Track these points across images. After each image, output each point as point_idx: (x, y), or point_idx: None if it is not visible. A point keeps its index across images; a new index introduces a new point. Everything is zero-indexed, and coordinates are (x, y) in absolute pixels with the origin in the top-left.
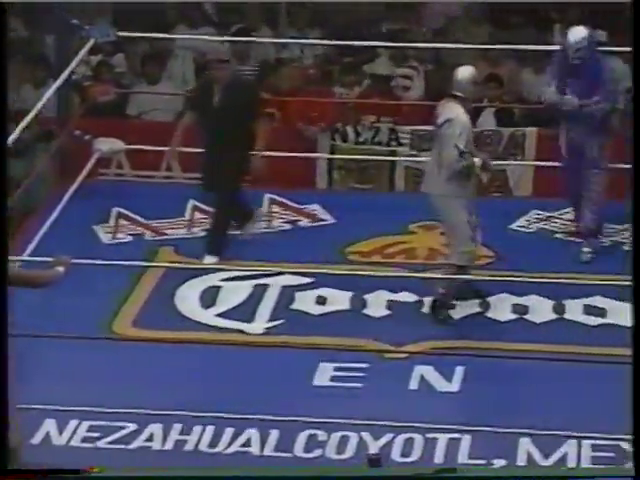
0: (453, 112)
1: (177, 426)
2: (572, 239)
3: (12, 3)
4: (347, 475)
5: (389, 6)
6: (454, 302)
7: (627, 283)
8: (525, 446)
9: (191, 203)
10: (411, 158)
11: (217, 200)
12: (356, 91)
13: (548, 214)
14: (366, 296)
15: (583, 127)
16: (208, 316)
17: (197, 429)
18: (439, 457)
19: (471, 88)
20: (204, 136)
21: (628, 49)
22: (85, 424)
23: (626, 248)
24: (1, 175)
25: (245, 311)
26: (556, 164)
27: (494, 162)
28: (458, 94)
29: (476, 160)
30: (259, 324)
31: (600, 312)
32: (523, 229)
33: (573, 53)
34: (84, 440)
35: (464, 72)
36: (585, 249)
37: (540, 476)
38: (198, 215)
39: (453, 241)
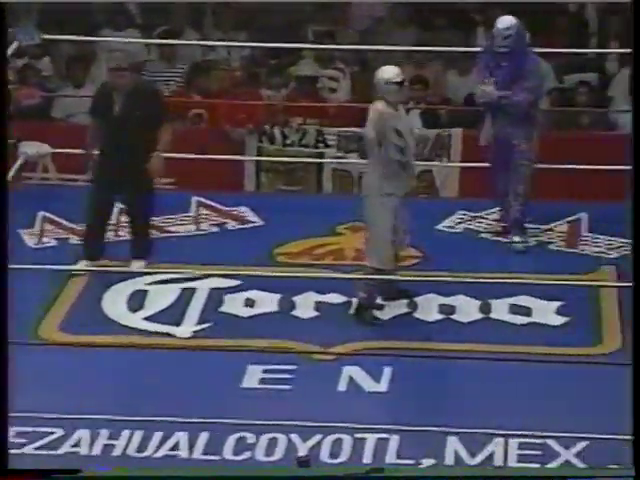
0: (374, 113)
1: (104, 431)
2: (498, 239)
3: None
4: (276, 476)
5: (315, 8)
6: (381, 303)
7: (552, 282)
8: (453, 445)
9: (117, 206)
10: (338, 160)
11: (130, 204)
12: (283, 93)
13: (474, 214)
14: (295, 298)
15: (508, 119)
16: (136, 320)
17: (125, 433)
18: (368, 457)
19: (392, 88)
20: (106, 142)
21: (552, 50)
22: (12, 430)
23: (552, 247)
24: (1, 174)
25: (173, 314)
26: (481, 165)
27: (421, 163)
28: (381, 95)
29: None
30: (187, 327)
31: (525, 311)
32: (449, 229)
33: (501, 40)
34: (10, 447)
35: (382, 73)
36: (516, 238)
37: (540, 476)
38: (125, 218)
39: (371, 243)
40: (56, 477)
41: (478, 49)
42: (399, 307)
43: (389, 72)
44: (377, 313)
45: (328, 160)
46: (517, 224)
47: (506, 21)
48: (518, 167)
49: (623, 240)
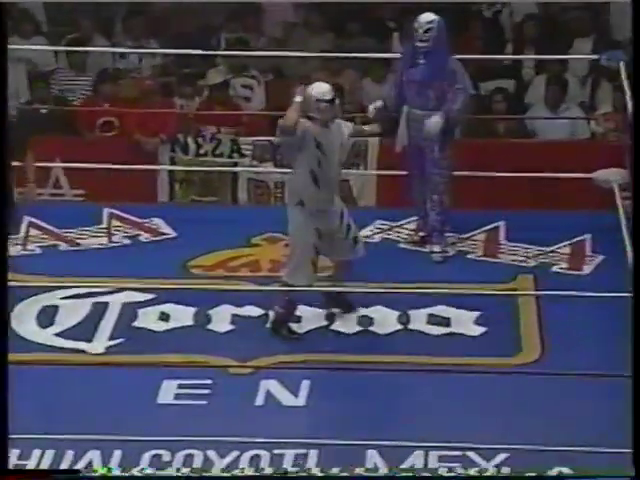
0: (299, 124)
1: (15, 451)
2: (417, 248)
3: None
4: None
5: (228, 14)
6: (298, 315)
7: (476, 292)
8: (372, 458)
9: (26, 220)
10: (253, 169)
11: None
12: (196, 102)
13: (392, 224)
14: (210, 311)
15: (420, 128)
16: (46, 336)
17: (36, 452)
18: None
19: (322, 105)
20: None
21: (470, 56)
22: None
23: (471, 257)
24: (1, 176)
25: (85, 330)
26: (399, 173)
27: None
28: (311, 112)
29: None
30: (100, 343)
31: (444, 321)
32: (367, 239)
33: (422, 34)
34: None
35: (312, 90)
36: (435, 248)
37: (540, 476)
38: (34, 232)
39: (287, 255)
40: (56, 477)
41: (394, 55)
42: (317, 320)
43: (320, 90)
44: (294, 326)
45: (243, 169)
46: (436, 233)
47: (428, 15)
48: (432, 176)
49: (541, 248)
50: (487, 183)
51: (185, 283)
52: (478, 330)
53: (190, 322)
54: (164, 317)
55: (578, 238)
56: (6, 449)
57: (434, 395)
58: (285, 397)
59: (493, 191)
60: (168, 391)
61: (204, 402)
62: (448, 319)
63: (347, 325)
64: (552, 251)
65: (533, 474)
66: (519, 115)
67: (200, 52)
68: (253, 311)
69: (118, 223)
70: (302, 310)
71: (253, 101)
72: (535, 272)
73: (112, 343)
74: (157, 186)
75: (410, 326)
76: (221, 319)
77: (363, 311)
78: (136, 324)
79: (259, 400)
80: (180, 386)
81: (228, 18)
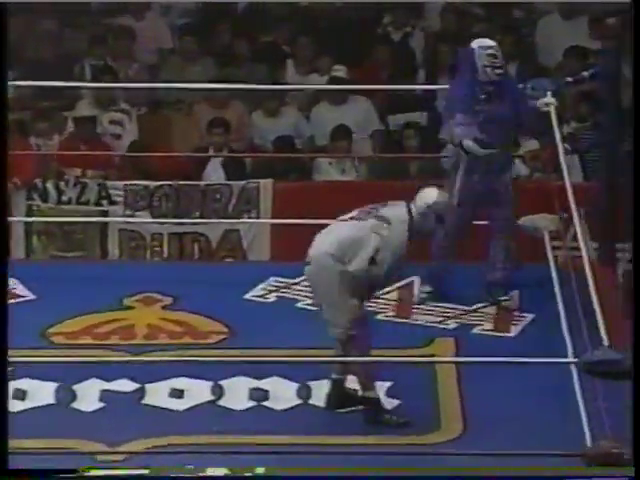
0: None
1: None
2: (318, 309)
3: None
4: None
5: (93, 39)
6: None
7: (386, 359)
8: None
9: None
10: (125, 219)
11: None
12: (56, 140)
13: (289, 281)
14: (75, 386)
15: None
16: None
17: None
18: None
19: None
20: None
21: (373, 87)
22: None
23: (380, 317)
24: (1, 176)
25: None
26: (297, 221)
27: (225, 221)
28: None
29: None
30: None
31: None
32: (260, 299)
33: (488, 61)
34: None
35: None
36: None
37: (540, 476)
38: None
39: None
40: (56, 477)
41: (289, 86)
42: (200, 395)
43: None
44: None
45: (113, 219)
46: (508, 290)
47: (485, 40)
48: (504, 222)
49: (462, 307)
50: None
51: (44, 354)
52: (390, 403)
53: (51, 400)
54: (20, 395)
55: (503, 297)
56: (6, 449)
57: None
58: None
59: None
60: None
61: None
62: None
63: (237, 400)
64: (474, 310)
65: (533, 473)
66: (433, 153)
67: (60, 83)
68: (126, 385)
69: None
70: (184, 382)
71: (124, 139)
72: (455, 335)
73: None
74: (11, 240)
75: (312, 401)
76: (88, 395)
77: (256, 383)
78: None
79: None
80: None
81: (93, 43)
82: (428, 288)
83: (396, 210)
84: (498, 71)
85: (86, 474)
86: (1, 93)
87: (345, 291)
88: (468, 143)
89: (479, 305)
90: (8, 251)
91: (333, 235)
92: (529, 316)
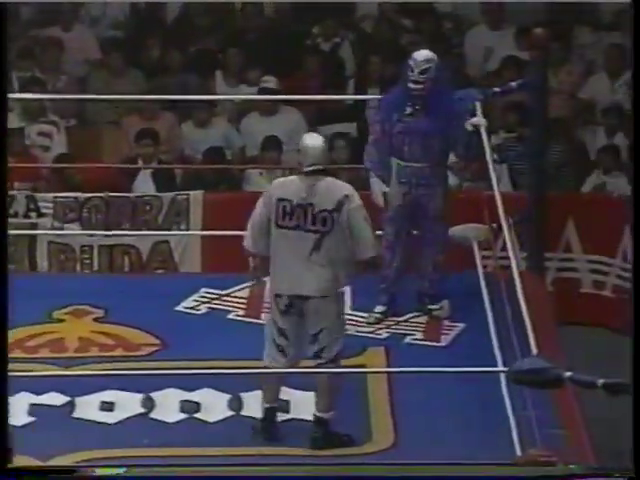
0: None
1: None
2: (250, 320)
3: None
4: None
5: (19, 52)
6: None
7: (315, 370)
8: None
9: None
10: (55, 232)
11: None
12: None
13: (220, 292)
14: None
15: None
16: None
17: None
18: None
19: None
20: None
21: (306, 97)
22: None
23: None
24: (1, 176)
25: None
26: (228, 233)
27: (155, 233)
28: None
29: None
30: None
31: (286, 407)
32: (192, 310)
33: (418, 75)
34: None
35: None
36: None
37: (539, 476)
38: None
39: None
40: (56, 477)
41: (219, 96)
42: (131, 408)
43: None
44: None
45: (42, 232)
46: (435, 295)
47: (425, 53)
48: (433, 234)
49: (394, 318)
50: None
51: None
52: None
53: None
54: None
55: (434, 306)
56: (6, 449)
57: None
58: None
59: None
60: None
61: None
62: (287, 402)
63: (169, 412)
64: (406, 320)
65: (533, 473)
66: (363, 164)
67: None
68: (56, 399)
69: None
70: (115, 395)
71: (53, 150)
72: (387, 344)
73: None
74: None
75: (244, 412)
76: (18, 409)
77: (187, 395)
78: None
79: None
80: None
81: (20, 55)
82: (381, 308)
83: None
84: (414, 86)
85: (89, 474)
86: (1, 95)
87: None
88: (372, 180)
89: (410, 315)
90: (7, 248)
91: None
92: (460, 325)
